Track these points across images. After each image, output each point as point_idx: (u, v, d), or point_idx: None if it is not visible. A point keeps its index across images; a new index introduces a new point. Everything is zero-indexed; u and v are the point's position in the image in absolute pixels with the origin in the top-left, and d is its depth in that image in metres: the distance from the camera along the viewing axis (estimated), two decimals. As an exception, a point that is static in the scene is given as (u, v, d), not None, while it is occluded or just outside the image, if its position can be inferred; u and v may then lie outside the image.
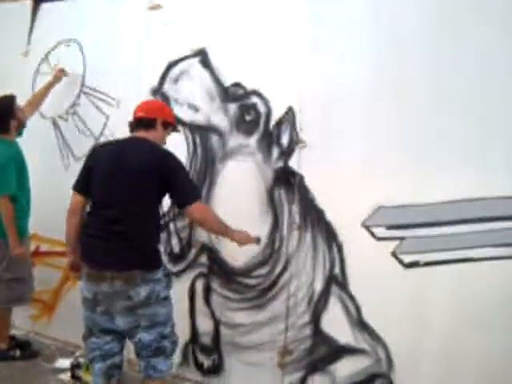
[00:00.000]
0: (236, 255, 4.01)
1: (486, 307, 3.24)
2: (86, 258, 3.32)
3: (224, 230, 3.48)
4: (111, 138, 4.36)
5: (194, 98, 4.18)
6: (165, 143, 3.53)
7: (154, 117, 3.48)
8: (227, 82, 4.11)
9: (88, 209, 3.41)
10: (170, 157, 3.36)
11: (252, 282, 3.99)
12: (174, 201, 3.42)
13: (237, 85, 4.05)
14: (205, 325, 4.17)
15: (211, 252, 4.11)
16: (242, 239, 3.54)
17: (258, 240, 3.61)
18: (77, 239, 3.40)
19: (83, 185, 3.42)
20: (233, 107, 4.05)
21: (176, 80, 4.34)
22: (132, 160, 3.29)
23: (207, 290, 4.15)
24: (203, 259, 4.18)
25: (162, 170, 3.27)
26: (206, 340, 4.15)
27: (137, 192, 3.26)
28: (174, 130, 3.68)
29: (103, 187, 3.32)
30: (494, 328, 3.23)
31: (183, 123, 4.20)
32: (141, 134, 3.43)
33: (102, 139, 4.61)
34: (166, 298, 3.34)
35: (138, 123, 3.48)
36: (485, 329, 3.24)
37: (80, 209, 3.42)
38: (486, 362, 3.24)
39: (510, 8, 3.20)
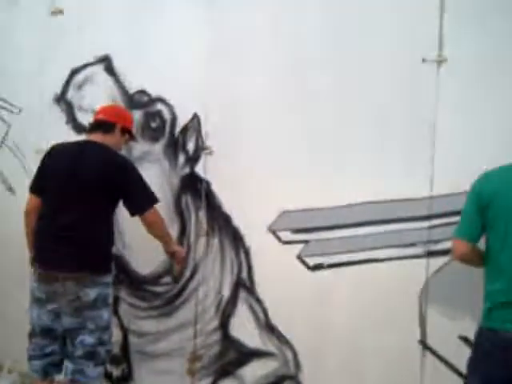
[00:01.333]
0: (143, 263, 3.95)
1: (386, 306, 3.32)
2: (40, 260, 3.34)
3: (169, 238, 3.58)
4: (14, 148, 4.23)
5: (98, 104, 4.07)
6: (120, 149, 3.47)
7: (114, 121, 3.46)
8: (132, 88, 4.04)
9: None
10: (125, 163, 3.40)
11: (160, 289, 3.94)
12: (131, 206, 3.41)
13: (141, 92, 3.99)
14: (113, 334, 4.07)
15: (118, 260, 4.02)
16: (181, 253, 3.63)
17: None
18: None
19: (38, 186, 3.44)
20: (138, 114, 3.99)
21: (80, 87, 4.23)
22: (88, 165, 3.29)
23: (114, 299, 4.05)
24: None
25: (117, 177, 3.29)
26: (115, 349, 4.05)
27: (91, 197, 3.27)
28: (132, 138, 3.63)
29: (57, 190, 3.32)
30: (393, 326, 3.31)
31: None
32: (98, 137, 3.43)
33: (4, 147, 4.44)
34: (110, 305, 3.40)
35: (96, 125, 3.48)
36: (385, 327, 3.32)
37: (35, 209, 3.43)
38: (387, 359, 3.31)
39: (402, 22, 3.29)
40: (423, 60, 3.22)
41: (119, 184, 3.28)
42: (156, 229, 3.47)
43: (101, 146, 3.37)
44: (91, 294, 3.25)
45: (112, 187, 3.28)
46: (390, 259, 3.31)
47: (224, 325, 3.72)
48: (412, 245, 3.27)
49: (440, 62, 3.21)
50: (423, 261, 3.24)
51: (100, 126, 3.46)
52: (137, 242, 3.90)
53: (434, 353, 3.24)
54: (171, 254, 3.61)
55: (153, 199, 3.41)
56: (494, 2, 3.14)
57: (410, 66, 3.26)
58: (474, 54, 3.15)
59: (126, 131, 3.56)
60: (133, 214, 3.39)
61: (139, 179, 3.38)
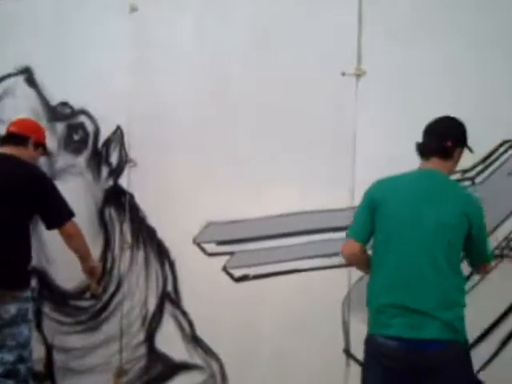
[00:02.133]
0: (67, 277, 3.85)
1: (311, 316, 3.33)
2: None
3: (87, 253, 3.48)
4: None
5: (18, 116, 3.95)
6: (36, 163, 3.45)
7: (27, 135, 3.35)
8: (54, 100, 3.94)
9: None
10: (38, 176, 3.31)
11: (84, 304, 3.84)
12: (47, 219, 3.33)
13: (64, 104, 3.90)
14: (36, 351, 3.93)
15: (41, 275, 3.90)
16: (98, 268, 3.56)
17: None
18: None
19: None
20: (60, 126, 3.90)
21: (-1, 98, 4.11)
22: (1, 178, 3.18)
23: (37, 314, 3.93)
24: (33, 283, 3.95)
25: (29, 189, 3.20)
26: (38, 367, 3.93)
27: (5, 211, 3.17)
28: (45, 152, 3.53)
29: None
30: (318, 335, 3.32)
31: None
32: (9, 149, 3.30)
33: None
34: (30, 321, 3.29)
35: (8, 138, 3.36)
36: (311, 336, 3.33)
37: None
38: (312, 369, 3.33)
39: (322, 37, 3.33)
40: (343, 73, 3.27)
41: (32, 197, 3.21)
42: (75, 241, 3.40)
43: (11, 159, 3.28)
44: (12, 309, 3.18)
45: (24, 200, 3.20)
46: (314, 269, 3.33)
47: (150, 338, 3.66)
48: (335, 254, 3.29)
49: (359, 75, 3.26)
50: (345, 270, 3.27)
51: (12, 138, 3.37)
52: (60, 256, 3.79)
53: (357, 361, 3.27)
54: (88, 270, 3.52)
55: (69, 212, 3.35)
56: (409, 17, 3.21)
57: (330, 79, 3.30)
58: (392, 67, 3.21)
59: (40, 145, 3.47)
60: (49, 227, 3.31)
61: (54, 192, 3.31)
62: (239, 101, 3.45)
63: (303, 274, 3.34)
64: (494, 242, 3.12)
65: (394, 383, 2.50)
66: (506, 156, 3.17)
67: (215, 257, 3.50)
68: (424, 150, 2.69)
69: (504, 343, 3.19)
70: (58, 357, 3.96)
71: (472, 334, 3.01)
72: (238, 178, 3.46)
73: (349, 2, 3.29)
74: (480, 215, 2.62)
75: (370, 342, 2.62)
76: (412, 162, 3.04)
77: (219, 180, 3.49)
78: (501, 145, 3.17)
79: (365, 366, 2.66)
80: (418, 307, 2.47)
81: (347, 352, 3.31)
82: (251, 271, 3.45)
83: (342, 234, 3.24)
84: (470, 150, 2.77)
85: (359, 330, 3.23)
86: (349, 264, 2.87)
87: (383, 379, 2.52)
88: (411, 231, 2.52)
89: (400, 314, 2.49)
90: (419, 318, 2.46)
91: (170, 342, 3.61)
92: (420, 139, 3.10)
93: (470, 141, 3.10)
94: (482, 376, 3.11)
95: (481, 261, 2.75)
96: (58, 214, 3.30)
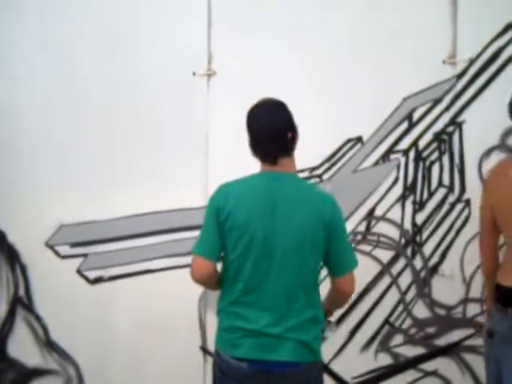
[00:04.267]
0: None
1: (167, 315, 3.28)
2: None
3: None
4: None
5: None
6: None
7: None
8: None
9: None
10: None
11: None
12: None
13: None
14: None
15: None
16: None
17: None
18: None
19: None
20: None
21: None
22: None
23: None
24: None
25: None
26: None
27: None
28: None
29: None
30: (175, 334, 3.28)
31: None
32: None
33: None
34: None
35: None
36: (167, 335, 3.28)
37: None
38: (170, 367, 3.28)
39: (173, 37, 3.26)
40: (194, 74, 3.22)
41: None
42: None
43: None
44: None
45: None
46: (169, 268, 3.27)
47: (1, 345, 3.45)
48: (189, 253, 3.24)
49: (209, 75, 3.22)
50: (201, 268, 3.23)
51: None
52: None
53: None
54: None
55: None
56: (258, 17, 3.23)
57: (181, 79, 3.24)
58: (242, 66, 3.22)
59: None
60: None
61: None
62: (90, 102, 3.30)
63: (159, 273, 3.28)
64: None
65: None
66: (350, 154, 3.25)
67: (69, 259, 3.35)
68: (266, 152, 2.29)
69: (353, 333, 3.30)
70: None
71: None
72: (90, 178, 3.32)
73: (198, 2, 3.23)
74: (341, 217, 2.31)
75: (218, 358, 2.33)
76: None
77: (71, 181, 3.33)
78: (345, 143, 3.25)
79: (216, 381, 2.36)
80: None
81: (204, 349, 3.29)
82: (106, 273, 3.33)
83: (197, 233, 3.23)
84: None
85: (215, 328, 3.23)
86: (201, 284, 2.47)
87: None
88: (264, 246, 2.20)
89: (250, 335, 2.23)
90: (271, 339, 2.22)
91: (23, 347, 3.41)
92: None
93: (318, 140, 3.19)
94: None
95: (348, 267, 2.31)
96: None
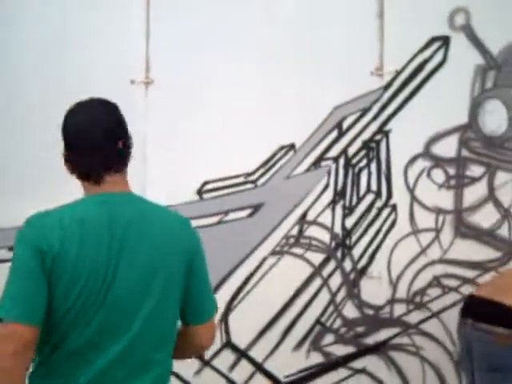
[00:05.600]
0: None
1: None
2: None
3: None
4: None
5: None
6: None
7: None
8: None
9: None
10: None
11: None
12: None
13: None
14: None
15: None
16: None
17: None
18: None
19: None
20: None
21: None
22: None
23: None
24: None
25: None
26: None
27: None
28: None
29: None
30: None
31: None
32: None
33: None
34: None
35: None
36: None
37: None
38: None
39: (112, 45, 3.29)
40: (132, 81, 3.26)
41: None
42: None
43: None
44: None
45: None
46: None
47: None
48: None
49: (147, 83, 3.27)
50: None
51: None
52: None
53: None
54: None
55: None
56: (197, 26, 3.30)
57: (120, 87, 3.27)
58: (179, 75, 3.27)
59: None
60: None
61: None
62: (28, 107, 3.30)
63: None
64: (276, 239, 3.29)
65: None
66: (283, 161, 3.33)
67: (6, 263, 3.32)
68: (88, 166, 1.70)
69: (286, 332, 3.37)
70: None
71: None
72: (37, 183, 3.28)
73: (136, 12, 3.28)
74: (202, 246, 1.84)
75: None
76: (199, 164, 3.16)
77: (11, 186, 3.33)
78: (278, 150, 3.33)
79: None
80: None
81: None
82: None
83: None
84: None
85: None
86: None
87: None
88: (104, 297, 1.62)
89: None
90: None
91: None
92: (208, 146, 3.21)
93: (252, 146, 3.26)
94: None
95: (209, 313, 1.83)
96: None
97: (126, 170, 1.76)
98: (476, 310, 2.65)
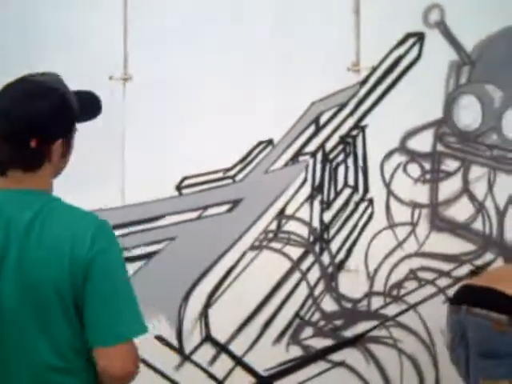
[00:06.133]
0: None
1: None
2: None
3: None
4: None
5: None
6: None
7: None
8: None
9: None
10: None
11: None
12: None
13: None
14: None
15: None
16: None
17: None
18: None
19: None
20: None
21: None
22: None
23: None
24: None
25: None
26: None
27: None
28: None
29: None
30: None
31: None
32: None
33: None
34: None
35: None
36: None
37: None
38: None
39: (89, 41, 3.28)
40: (110, 78, 3.25)
41: None
42: None
43: None
44: None
45: None
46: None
47: None
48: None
49: (125, 79, 3.27)
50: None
51: None
52: None
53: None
54: None
55: None
56: (174, 23, 3.30)
57: (98, 83, 3.24)
58: (157, 71, 3.27)
59: None
60: None
61: None
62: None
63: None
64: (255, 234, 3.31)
65: None
66: (261, 156, 3.35)
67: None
68: None
69: (265, 326, 3.39)
70: None
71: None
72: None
73: (114, 7, 3.27)
74: (111, 253, 1.51)
75: None
76: (178, 160, 3.16)
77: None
78: (257, 146, 3.34)
79: None
80: None
81: (120, 345, 3.31)
82: None
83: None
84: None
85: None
86: None
87: None
88: None
89: None
90: None
91: None
92: (187, 141, 3.21)
93: (231, 142, 3.27)
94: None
95: (119, 335, 1.48)
96: None
97: (44, 167, 1.54)
98: (472, 296, 2.65)
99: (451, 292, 3.08)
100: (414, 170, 3.31)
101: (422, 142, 3.29)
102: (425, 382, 3.30)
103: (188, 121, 3.31)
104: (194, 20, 3.33)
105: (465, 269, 3.28)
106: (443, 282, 3.29)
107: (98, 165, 3.30)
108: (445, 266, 3.31)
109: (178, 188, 3.34)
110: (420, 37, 3.27)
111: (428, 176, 3.31)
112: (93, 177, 3.29)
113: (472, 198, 3.29)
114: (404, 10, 3.26)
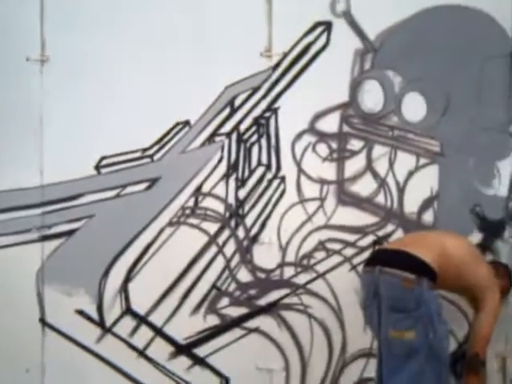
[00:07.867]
0: None
1: (5, 291, 3.31)
2: None
3: None
4: None
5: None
6: None
7: None
8: None
9: None
10: None
11: None
12: None
13: None
14: None
15: None
16: None
17: None
18: None
19: None
20: None
21: None
22: None
23: None
24: None
25: None
26: None
27: None
28: None
29: None
30: (13, 308, 3.31)
31: None
32: None
33: None
34: None
35: None
36: (6, 310, 3.32)
37: None
38: (9, 341, 3.33)
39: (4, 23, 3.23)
40: (27, 59, 3.23)
41: None
42: None
43: None
44: None
45: None
46: (6, 246, 3.29)
47: None
48: (27, 231, 3.30)
49: (43, 60, 3.25)
50: (38, 245, 3.29)
51: None
52: None
53: (53, 329, 3.33)
54: None
55: None
56: (91, 5, 3.29)
57: (15, 64, 3.24)
58: (74, 53, 3.29)
59: None
60: None
61: None
62: None
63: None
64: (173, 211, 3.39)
65: None
66: (178, 136, 3.42)
67: None
68: None
69: (184, 298, 3.49)
70: None
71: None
72: None
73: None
74: None
75: None
76: (96, 140, 3.19)
77: None
78: (174, 127, 3.42)
79: None
80: None
81: (43, 321, 3.35)
82: None
83: (33, 211, 3.29)
84: None
85: (53, 300, 3.33)
86: None
87: None
88: None
89: None
90: None
91: None
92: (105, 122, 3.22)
93: (149, 123, 3.33)
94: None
95: None
96: None
97: None
98: (384, 257, 2.90)
99: (356, 261, 3.31)
100: (323, 149, 3.45)
101: (330, 124, 3.42)
102: (333, 344, 3.49)
103: (106, 101, 3.34)
104: (110, 5, 3.34)
105: (369, 239, 3.46)
106: (349, 251, 3.46)
107: (16, 145, 3.30)
108: (350, 237, 3.48)
109: (97, 167, 3.37)
110: (328, 25, 3.39)
111: (335, 155, 3.46)
112: (11, 157, 3.29)
113: (375, 174, 3.47)
114: (313, 0, 3.39)
